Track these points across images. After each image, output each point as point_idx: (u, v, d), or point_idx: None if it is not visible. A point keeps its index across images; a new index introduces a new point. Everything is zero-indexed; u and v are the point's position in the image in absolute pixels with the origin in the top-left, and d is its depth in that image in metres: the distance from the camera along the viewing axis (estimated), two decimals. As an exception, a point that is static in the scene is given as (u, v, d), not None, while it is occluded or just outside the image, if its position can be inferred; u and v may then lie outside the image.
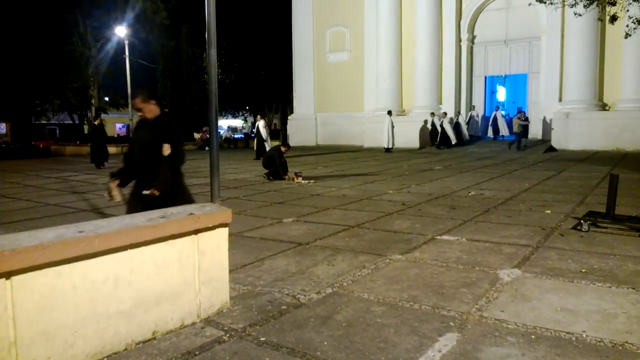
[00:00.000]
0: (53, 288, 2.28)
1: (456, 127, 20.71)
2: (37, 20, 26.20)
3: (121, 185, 3.77)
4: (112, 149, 23.14)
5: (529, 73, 21.90)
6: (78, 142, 29.10)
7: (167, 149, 3.59)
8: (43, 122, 37.96)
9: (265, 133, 17.36)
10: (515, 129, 18.12)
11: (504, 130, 21.77)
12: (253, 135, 18.06)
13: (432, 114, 20.66)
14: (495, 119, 22.00)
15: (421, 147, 20.71)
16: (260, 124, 17.60)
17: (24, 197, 8.80)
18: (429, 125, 20.69)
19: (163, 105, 3.85)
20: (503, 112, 30.28)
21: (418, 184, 9.34)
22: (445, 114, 20.49)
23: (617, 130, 17.49)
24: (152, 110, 3.68)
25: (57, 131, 47.36)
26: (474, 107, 22.58)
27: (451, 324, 2.83)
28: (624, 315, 2.89)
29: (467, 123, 22.15)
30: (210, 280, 2.98)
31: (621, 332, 2.66)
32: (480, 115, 22.95)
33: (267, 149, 16.91)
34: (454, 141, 20.06)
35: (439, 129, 20.25)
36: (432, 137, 20.65)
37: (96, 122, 16.55)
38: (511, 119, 25.62)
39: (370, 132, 22.23)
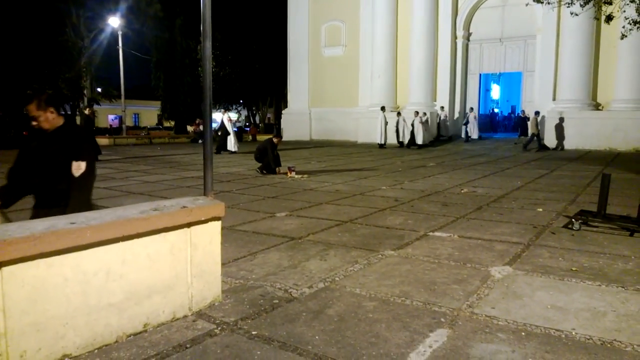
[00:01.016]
0: (44, 279, 2.26)
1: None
2: (30, 10, 25.91)
3: (4, 206, 3.17)
4: (104, 140, 23.03)
5: (524, 71, 21.93)
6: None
7: (79, 168, 3.01)
8: (35, 112, 37.55)
9: (230, 127, 17.63)
10: (533, 129, 17.89)
11: (473, 132, 21.31)
12: (218, 130, 18.36)
13: (398, 113, 20.10)
14: (467, 120, 21.60)
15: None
16: (225, 117, 17.84)
17: (14, 188, 8.72)
18: (394, 125, 19.96)
19: (64, 112, 3.21)
20: (498, 110, 30.17)
21: (411, 181, 9.36)
22: (417, 112, 19.51)
23: (610, 130, 17.61)
24: (49, 119, 3.04)
25: (49, 121, 46.93)
26: (442, 108, 21.94)
27: (442, 320, 2.84)
28: (613, 313, 2.92)
29: (437, 124, 21.58)
30: (202, 274, 2.97)
31: (610, 330, 2.68)
32: (448, 116, 22.31)
33: (229, 143, 17.20)
34: (419, 142, 19.17)
35: (405, 129, 19.57)
36: (397, 137, 20.02)
37: (87, 112, 16.20)
38: (504, 117, 25.54)
39: (364, 128, 22.20)
